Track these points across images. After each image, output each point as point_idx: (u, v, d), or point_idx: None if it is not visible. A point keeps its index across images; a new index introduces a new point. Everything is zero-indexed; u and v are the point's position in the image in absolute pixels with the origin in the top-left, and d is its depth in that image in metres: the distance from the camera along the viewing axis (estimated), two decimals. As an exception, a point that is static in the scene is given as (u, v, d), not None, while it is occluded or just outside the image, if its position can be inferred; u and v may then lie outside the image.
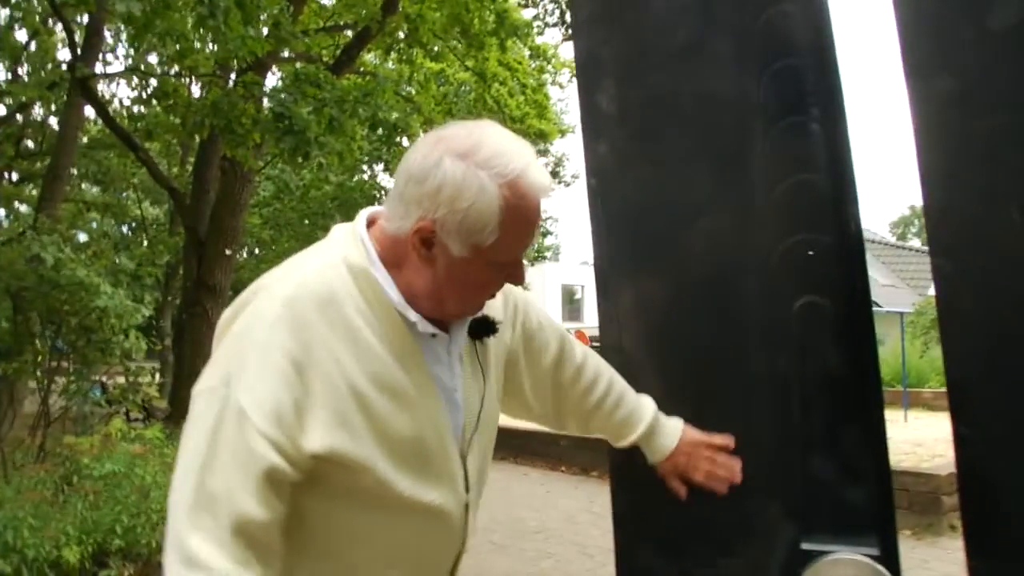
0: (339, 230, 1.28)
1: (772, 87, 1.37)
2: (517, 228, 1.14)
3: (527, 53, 12.92)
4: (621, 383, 1.46)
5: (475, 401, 1.30)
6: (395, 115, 9.05)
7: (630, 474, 1.45)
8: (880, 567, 1.21)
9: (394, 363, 1.17)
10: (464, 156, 1.11)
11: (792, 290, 1.31)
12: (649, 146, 1.49)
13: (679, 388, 1.42)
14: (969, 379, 1.06)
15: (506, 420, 1.49)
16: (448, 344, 1.26)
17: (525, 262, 1.28)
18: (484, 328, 1.30)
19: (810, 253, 1.31)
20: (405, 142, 10.55)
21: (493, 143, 1.14)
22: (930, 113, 1.07)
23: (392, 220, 1.18)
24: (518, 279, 1.24)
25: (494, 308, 1.33)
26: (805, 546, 1.28)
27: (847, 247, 1.29)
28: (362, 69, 12.03)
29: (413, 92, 12.65)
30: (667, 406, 1.42)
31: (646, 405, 1.43)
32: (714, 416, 1.38)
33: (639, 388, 1.45)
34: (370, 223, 1.24)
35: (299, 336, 1.10)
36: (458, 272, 1.17)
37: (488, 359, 1.34)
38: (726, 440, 1.36)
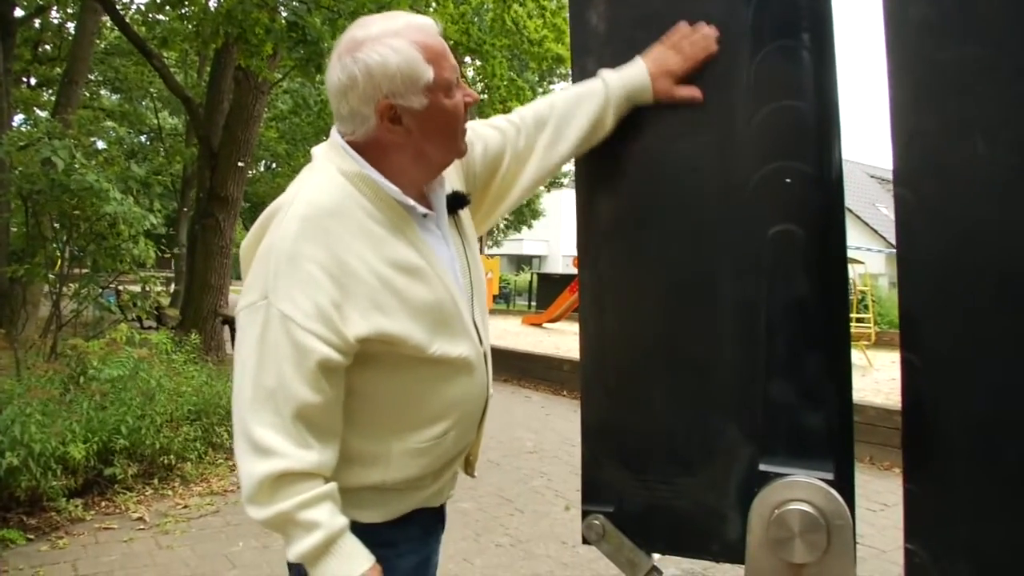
0: (320, 150, 1.43)
1: (762, 10, 1.34)
2: (438, 56, 1.33)
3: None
4: (566, 97, 1.55)
5: (466, 265, 1.48)
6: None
7: (598, 390, 1.48)
8: (832, 490, 1.24)
9: (404, 246, 1.34)
10: (363, 43, 1.31)
11: (767, 217, 1.31)
12: None
13: (650, 308, 1.43)
14: (920, 308, 1.06)
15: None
16: (437, 220, 1.44)
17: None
18: (457, 202, 1.49)
19: (788, 181, 1.30)
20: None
21: (372, 25, 1.34)
22: (904, 40, 1.05)
23: (357, 132, 1.36)
24: (471, 95, 1.41)
25: (453, 181, 1.51)
26: (763, 468, 1.30)
27: (826, 177, 1.29)
28: (381, -17, 11.75)
29: (432, 9, 12.38)
30: (637, 324, 1.44)
31: (595, 90, 1.50)
32: (683, 337, 1.39)
33: (611, 307, 1.47)
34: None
35: (323, 245, 1.26)
36: (430, 120, 1.34)
37: (464, 226, 1.52)
38: (680, 30, 1.42)
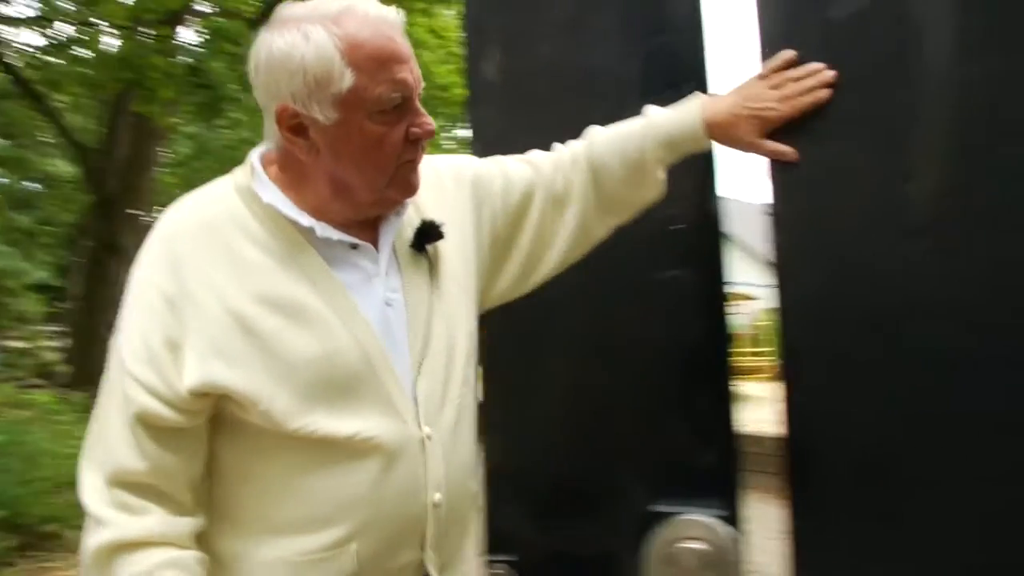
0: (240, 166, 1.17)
1: (648, 62, 1.40)
2: (371, 62, 1.02)
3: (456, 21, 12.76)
4: (606, 135, 1.28)
5: (423, 317, 1.14)
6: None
7: (499, 439, 1.48)
8: (724, 526, 1.27)
9: (291, 278, 1.05)
10: (283, 25, 1.04)
11: (656, 263, 1.36)
12: (531, 115, 1.51)
13: (545, 352, 1.46)
14: (802, 346, 1.12)
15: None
16: (376, 255, 1.12)
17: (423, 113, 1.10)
18: (427, 235, 1.17)
19: (672, 228, 1.36)
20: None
21: (312, 1, 1.05)
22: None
23: (269, 138, 1.11)
24: (422, 128, 1.08)
25: (436, 210, 1.21)
26: (657, 508, 1.32)
27: (708, 223, 1.34)
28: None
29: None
30: (532, 369, 1.45)
31: (633, 132, 1.26)
32: (577, 381, 1.43)
33: (507, 350, 1.46)
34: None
35: (172, 269, 1.04)
36: (344, 142, 1.05)
37: (442, 270, 1.19)
38: (785, 55, 1.16)
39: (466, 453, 1.17)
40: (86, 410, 6.62)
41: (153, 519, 1.01)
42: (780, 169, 1.11)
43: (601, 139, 1.29)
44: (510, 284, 1.33)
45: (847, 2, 1.08)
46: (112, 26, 8.72)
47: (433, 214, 1.19)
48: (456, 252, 1.22)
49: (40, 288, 5.96)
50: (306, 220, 1.07)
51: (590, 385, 1.41)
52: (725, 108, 1.19)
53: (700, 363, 1.32)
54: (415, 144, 1.08)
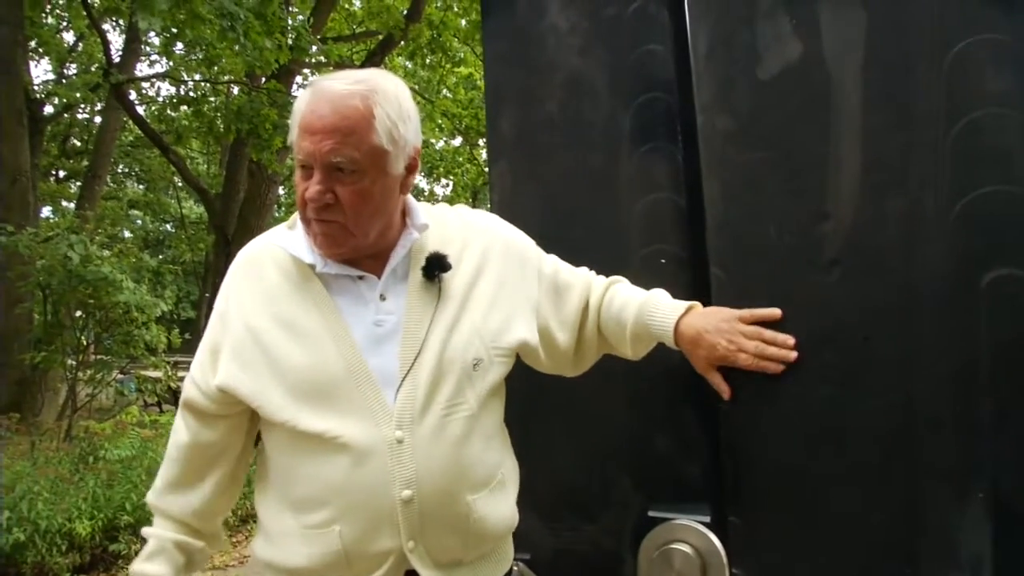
0: None
1: (637, 116, 1.56)
2: (302, 129, 1.19)
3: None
4: (622, 298, 1.41)
5: (419, 336, 1.26)
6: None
7: (520, 450, 1.63)
8: (707, 531, 1.40)
9: (300, 303, 1.26)
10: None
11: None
12: (539, 165, 1.67)
13: (547, 381, 1.54)
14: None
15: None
16: (377, 284, 1.28)
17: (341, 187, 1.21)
18: (435, 265, 1.29)
19: (662, 261, 1.50)
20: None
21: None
22: (713, 145, 1.27)
23: None
24: (308, 191, 1.21)
25: (454, 247, 1.33)
26: (651, 513, 1.46)
27: (694, 258, 1.47)
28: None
29: (449, 96, 12.89)
30: (535, 401, 1.56)
31: (633, 303, 1.38)
32: (581, 400, 1.54)
33: (520, 379, 1.50)
34: None
35: (226, 293, 1.33)
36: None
37: (450, 296, 1.30)
38: (770, 312, 1.25)
39: (451, 457, 1.24)
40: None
41: (175, 496, 1.34)
42: (713, 212, 1.26)
43: (616, 290, 1.44)
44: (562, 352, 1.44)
45: (771, 66, 1.22)
46: (230, 82, 9.47)
47: (467, 257, 1.34)
48: (486, 293, 1.33)
49: (174, 320, 6.60)
50: (308, 258, 1.27)
51: (591, 403, 1.54)
52: (698, 325, 1.29)
53: (688, 384, 1.44)
54: (311, 206, 1.22)
